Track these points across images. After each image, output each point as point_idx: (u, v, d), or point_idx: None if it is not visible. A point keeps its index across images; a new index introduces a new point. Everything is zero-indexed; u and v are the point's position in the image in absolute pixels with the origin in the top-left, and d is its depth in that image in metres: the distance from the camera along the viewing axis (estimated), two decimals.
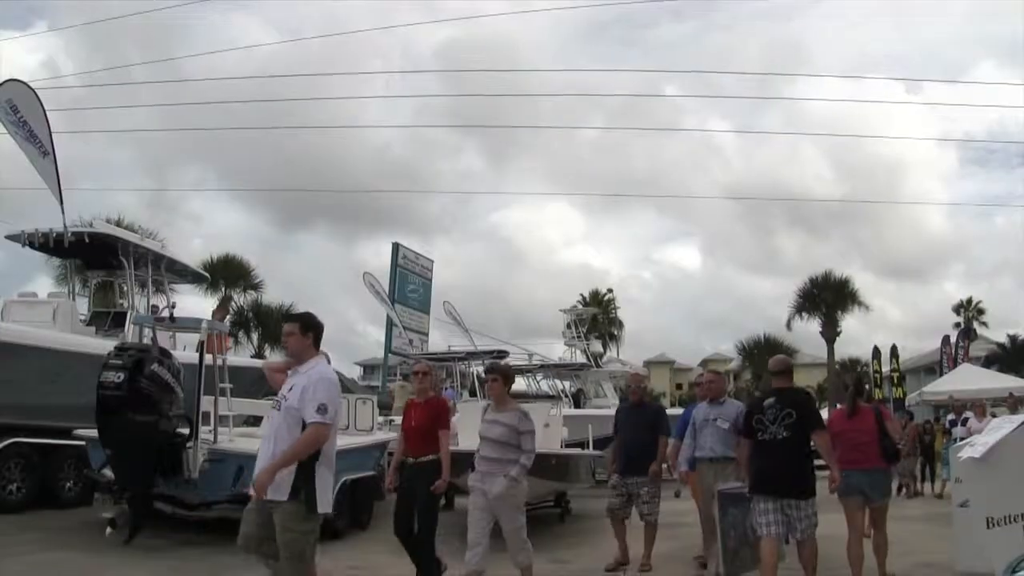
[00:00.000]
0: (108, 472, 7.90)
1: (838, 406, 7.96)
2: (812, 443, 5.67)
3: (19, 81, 12.80)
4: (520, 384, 21.85)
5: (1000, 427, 5.60)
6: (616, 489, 7.35)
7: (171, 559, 7.37)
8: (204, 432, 7.90)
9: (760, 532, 5.59)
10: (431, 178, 72.87)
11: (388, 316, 27.62)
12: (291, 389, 4.30)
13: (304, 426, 4.14)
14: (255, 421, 11.06)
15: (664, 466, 7.41)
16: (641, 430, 7.35)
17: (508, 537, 5.57)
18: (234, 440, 8.47)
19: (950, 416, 15.63)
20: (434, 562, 6.12)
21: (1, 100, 12.25)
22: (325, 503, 4.26)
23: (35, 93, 12.53)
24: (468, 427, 10.70)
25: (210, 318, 10.47)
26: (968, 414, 13.67)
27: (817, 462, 5.76)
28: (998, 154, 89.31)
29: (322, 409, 4.12)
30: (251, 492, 4.31)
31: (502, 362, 21.51)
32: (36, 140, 12.28)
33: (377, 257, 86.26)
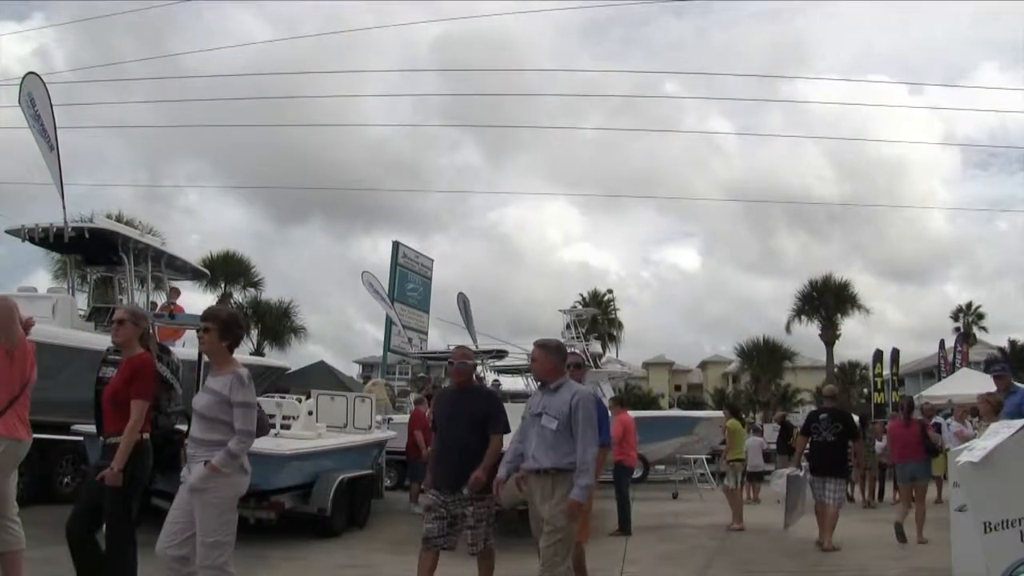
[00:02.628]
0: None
1: (890, 416, 10.57)
2: (849, 445, 8.58)
3: (35, 75, 13.10)
4: (520, 384, 21.91)
5: (998, 432, 5.60)
6: (433, 511, 5.14)
7: None
8: None
9: (818, 499, 8.31)
10: (429, 174, 72.91)
11: (387, 316, 27.62)
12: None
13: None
14: None
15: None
16: (465, 425, 5.21)
17: (198, 555, 4.00)
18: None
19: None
20: None
21: (24, 93, 12.57)
22: None
23: (46, 88, 12.72)
24: None
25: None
26: (939, 419, 13.52)
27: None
28: (1000, 157, 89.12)
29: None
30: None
31: (500, 362, 21.70)
32: (46, 134, 12.44)
33: (375, 253, 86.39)
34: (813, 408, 12.54)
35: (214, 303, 33.47)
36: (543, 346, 4.96)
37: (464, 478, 5.01)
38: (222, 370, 4.26)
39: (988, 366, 33.45)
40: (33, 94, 12.57)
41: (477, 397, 5.50)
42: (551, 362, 4.88)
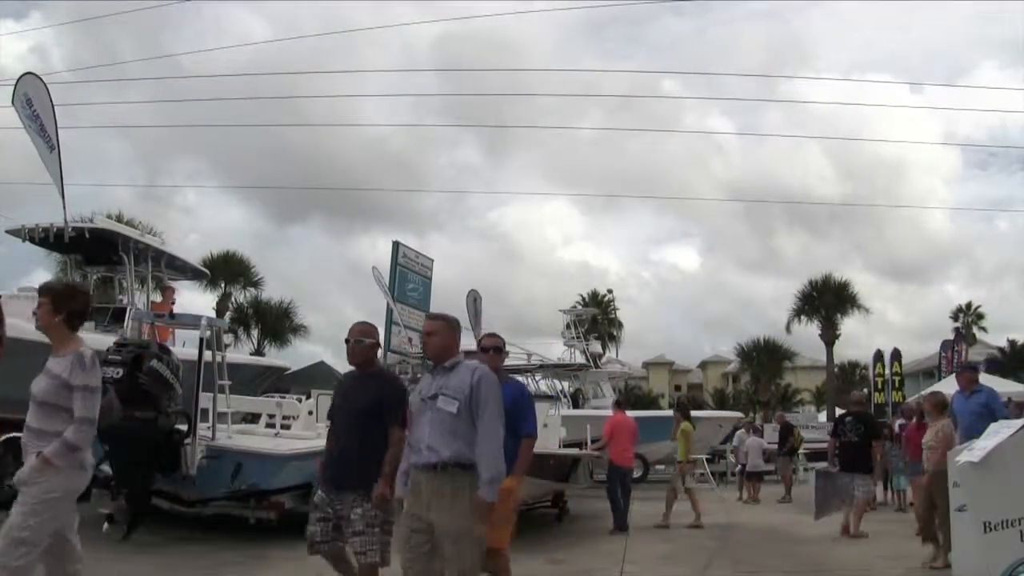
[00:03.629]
0: (106, 468, 7.90)
1: (913, 420, 11.11)
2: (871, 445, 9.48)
3: (33, 75, 13.05)
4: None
5: (998, 432, 5.60)
6: (318, 510, 4.47)
7: (168, 555, 7.37)
8: (202, 429, 7.90)
9: (848, 492, 9.25)
10: (428, 172, 72.94)
11: (387, 314, 27.63)
12: None
13: None
14: (253, 418, 11.08)
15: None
16: (356, 416, 4.44)
17: None
18: (232, 437, 8.47)
19: (900, 421, 14.17)
20: None
21: (19, 94, 12.52)
22: None
23: (46, 88, 12.70)
24: None
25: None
26: (901, 420, 13.36)
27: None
28: (999, 157, 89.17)
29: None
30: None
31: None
32: (45, 134, 12.43)
33: (373, 252, 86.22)
34: (843, 412, 12.82)
35: (215, 303, 33.61)
36: (444, 318, 4.16)
37: (350, 477, 4.30)
38: (62, 350, 3.78)
39: (988, 366, 33.52)
40: (30, 94, 12.52)
41: (376, 383, 4.49)
42: (452, 337, 4.09)
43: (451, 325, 4.11)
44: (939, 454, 6.61)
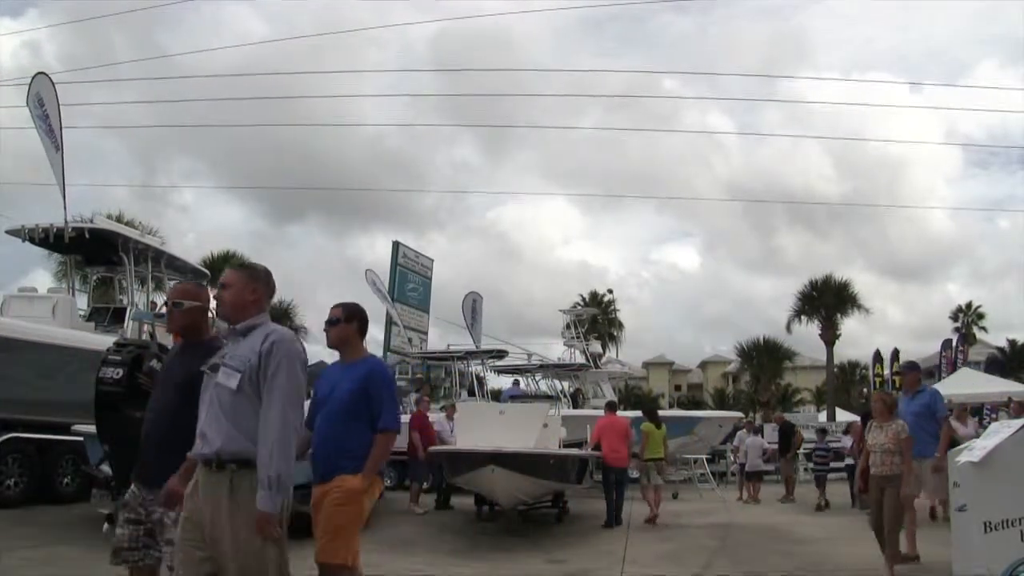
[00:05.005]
0: (106, 468, 7.89)
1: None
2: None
3: (45, 75, 13.17)
4: (519, 384, 21.89)
5: (998, 432, 5.60)
6: (129, 509, 3.58)
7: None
8: None
9: None
10: (427, 170, 73.04)
11: (387, 314, 27.64)
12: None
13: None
14: None
15: None
16: (171, 395, 3.48)
17: None
18: None
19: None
20: None
21: (32, 93, 12.64)
22: None
23: (54, 88, 12.80)
24: (467, 427, 10.74)
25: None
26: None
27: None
28: (1000, 156, 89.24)
29: None
30: None
31: (500, 362, 21.69)
32: (52, 134, 12.51)
33: (371, 251, 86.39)
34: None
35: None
36: (245, 267, 3.45)
37: (160, 469, 3.30)
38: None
39: (988, 366, 33.50)
40: (42, 94, 12.67)
41: (201, 354, 3.36)
42: (252, 291, 3.21)
43: (252, 276, 3.27)
44: (905, 459, 6.42)
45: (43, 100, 12.70)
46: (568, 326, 23.86)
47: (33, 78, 13.07)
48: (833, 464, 14.00)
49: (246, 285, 3.22)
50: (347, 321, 3.99)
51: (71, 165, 12.90)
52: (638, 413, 13.26)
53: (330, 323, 3.98)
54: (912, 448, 6.54)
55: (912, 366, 8.65)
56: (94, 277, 14.62)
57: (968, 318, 44.55)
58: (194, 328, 3.63)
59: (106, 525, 7.65)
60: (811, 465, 13.78)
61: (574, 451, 11.52)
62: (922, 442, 6.93)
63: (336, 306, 4.01)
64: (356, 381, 3.85)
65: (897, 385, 26.08)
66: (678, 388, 68.95)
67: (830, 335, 37.48)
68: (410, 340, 28.05)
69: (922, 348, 41.50)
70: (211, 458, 2.93)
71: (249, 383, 2.96)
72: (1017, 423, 5.64)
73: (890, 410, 6.71)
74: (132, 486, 3.64)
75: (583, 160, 76.85)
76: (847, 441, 13.65)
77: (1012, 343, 41.34)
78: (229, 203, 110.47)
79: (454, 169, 78.07)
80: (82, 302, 13.64)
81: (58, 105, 12.69)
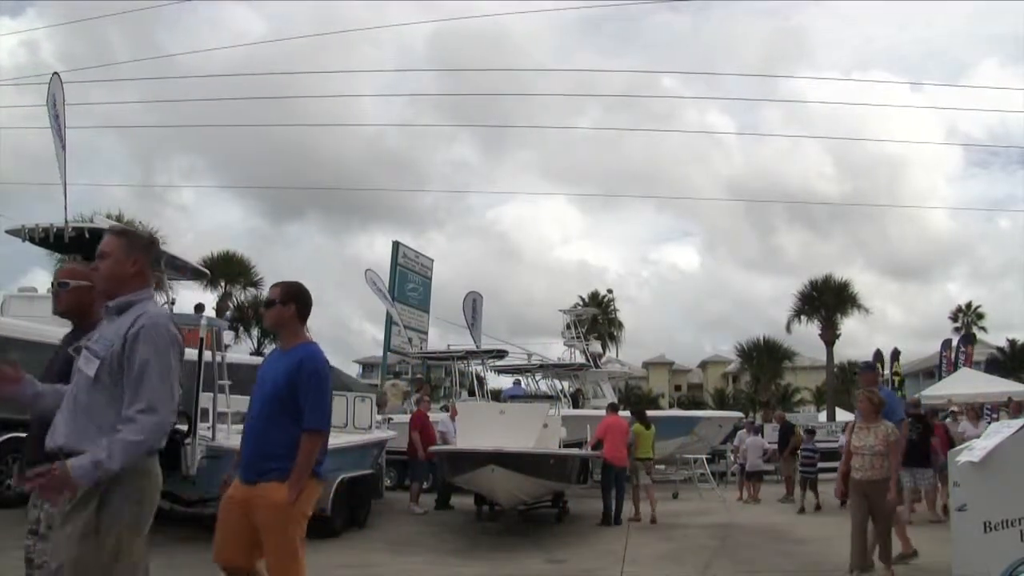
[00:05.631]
0: None
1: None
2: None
3: (58, 75, 13.37)
4: (520, 384, 21.89)
5: (998, 432, 5.60)
6: (31, 517, 3.11)
7: (168, 555, 7.36)
8: (202, 429, 7.91)
9: (912, 484, 9.91)
10: (426, 170, 73.03)
11: (388, 314, 27.64)
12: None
13: None
14: None
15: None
16: (58, 381, 2.97)
17: None
18: (232, 437, 8.47)
19: None
20: None
21: (50, 93, 12.86)
22: None
23: (63, 88, 12.99)
24: (467, 427, 10.74)
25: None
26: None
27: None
28: (1000, 156, 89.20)
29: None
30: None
31: (500, 361, 21.71)
32: (60, 133, 12.65)
33: (370, 250, 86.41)
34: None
35: (215, 303, 33.57)
36: (125, 234, 2.92)
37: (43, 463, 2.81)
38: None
39: (988, 366, 33.47)
40: (56, 95, 12.86)
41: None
42: (133, 263, 2.77)
43: (132, 244, 2.82)
44: (892, 461, 6.24)
45: (56, 101, 12.90)
46: (568, 326, 23.83)
47: (51, 79, 13.29)
48: (827, 464, 13.95)
49: (127, 255, 2.78)
50: (284, 303, 3.60)
51: (70, 164, 13.01)
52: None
53: (266, 304, 3.67)
54: (902, 451, 6.45)
55: (870, 366, 8.46)
56: None
57: (968, 318, 44.54)
58: (81, 310, 3.23)
59: None
60: (796, 465, 13.72)
61: (574, 451, 11.53)
62: None
63: (275, 285, 3.69)
64: (284, 371, 3.48)
65: (896, 385, 26.09)
66: (678, 388, 68.92)
67: (830, 335, 37.50)
68: (410, 340, 28.04)
69: (922, 348, 41.53)
70: (54, 452, 2.55)
71: (108, 372, 2.59)
72: (1017, 423, 5.64)
73: (877, 410, 6.46)
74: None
75: (583, 159, 76.92)
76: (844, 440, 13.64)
77: (1012, 343, 41.33)
78: (228, 202, 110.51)
79: (453, 168, 78.13)
80: None
81: (64, 106, 12.89)
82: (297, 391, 3.43)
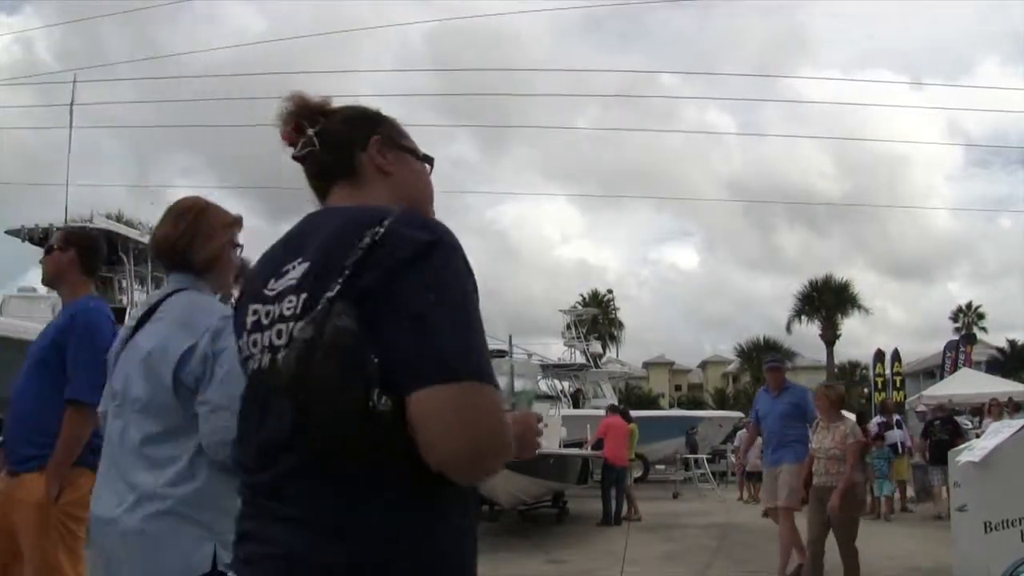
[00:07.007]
0: None
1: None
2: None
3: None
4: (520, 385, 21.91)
5: (999, 432, 5.60)
6: None
7: None
8: None
9: (941, 482, 10.25)
10: None
11: None
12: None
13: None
14: None
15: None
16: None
17: None
18: None
19: (877, 419, 13.40)
20: None
21: (73, 94, 13.13)
22: None
23: (73, 90, 13.18)
24: None
25: None
26: (880, 418, 13.33)
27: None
28: (1000, 155, 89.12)
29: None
30: None
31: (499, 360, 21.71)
32: (70, 133, 12.85)
33: None
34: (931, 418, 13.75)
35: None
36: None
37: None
38: None
39: (989, 367, 33.41)
40: (74, 95, 13.15)
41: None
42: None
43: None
44: (848, 465, 5.44)
45: (73, 100, 13.22)
46: (568, 326, 23.85)
47: (74, 80, 13.63)
48: None
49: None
50: (62, 248, 2.79)
51: (72, 164, 13.13)
52: (638, 413, 13.34)
53: (46, 251, 2.85)
54: (868, 452, 6.04)
55: (776, 362, 7.10)
56: None
57: (968, 318, 44.56)
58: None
59: None
60: None
61: (574, 451, 11.52)
62: (785, 447, 6.17)
63: (59, 230, 3.19)
64: (53, 330, 2.76)
65: (897, 385, 26.06)
66: (678, 388, 68.89)
67: (830, 335, 37.55)
68: None
69: (922, 348, 41.43)
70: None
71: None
72: (1017, 423, 5.64)
73: (836, 406, 5.77)
74: None
75: (582, 158, 76.88)
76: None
77: (1012, 343, 41.34)
78: (228, 202, 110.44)
79: (452, 167, 78.11)
80: None
81: (73, 106, 13.07)
82: (65, 354, 2.64)
